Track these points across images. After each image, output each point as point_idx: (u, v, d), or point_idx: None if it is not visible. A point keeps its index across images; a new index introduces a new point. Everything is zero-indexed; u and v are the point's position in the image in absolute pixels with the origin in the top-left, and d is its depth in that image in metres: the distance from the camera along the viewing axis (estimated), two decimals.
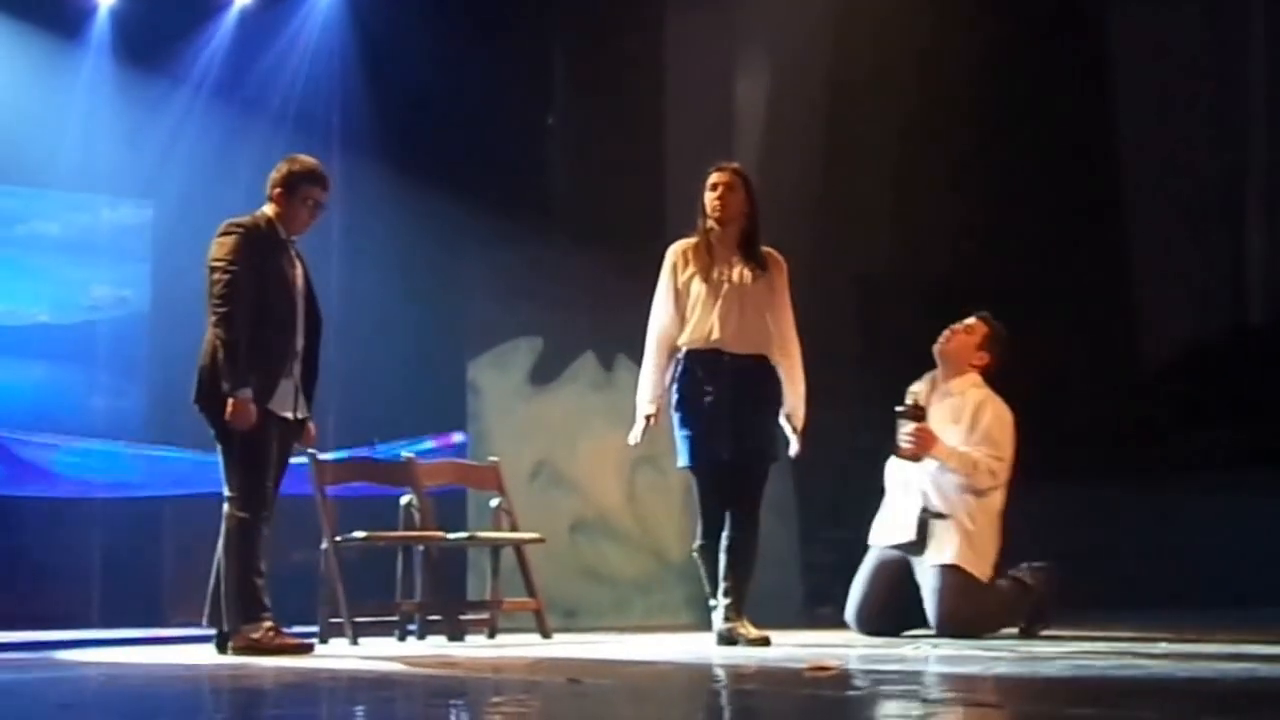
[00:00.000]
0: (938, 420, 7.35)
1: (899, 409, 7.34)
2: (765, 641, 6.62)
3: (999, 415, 7.40)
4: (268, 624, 6.66)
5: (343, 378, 10.80)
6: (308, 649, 6.72)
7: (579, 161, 12.32)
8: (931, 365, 7.65)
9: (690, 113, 12.10)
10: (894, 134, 11.67)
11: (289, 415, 6.89)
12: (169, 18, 11.47)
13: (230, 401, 6.63)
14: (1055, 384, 11.56)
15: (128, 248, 11.65)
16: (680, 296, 6.89)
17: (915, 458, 7.31)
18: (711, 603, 6.84)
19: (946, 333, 7.55)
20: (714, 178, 6.96)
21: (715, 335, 6.84)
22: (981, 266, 11.24)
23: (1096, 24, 11.61)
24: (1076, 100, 11.51)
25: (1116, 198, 11.49)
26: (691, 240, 6.98)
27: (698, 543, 6.89)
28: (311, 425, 7.12)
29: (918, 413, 7.31)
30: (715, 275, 6.88)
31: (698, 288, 6.87)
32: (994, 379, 7.57)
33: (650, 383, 6.89)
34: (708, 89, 12.31)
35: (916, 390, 7.55)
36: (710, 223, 6.94)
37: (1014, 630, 7.31)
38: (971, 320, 7.61)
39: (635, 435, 6.96)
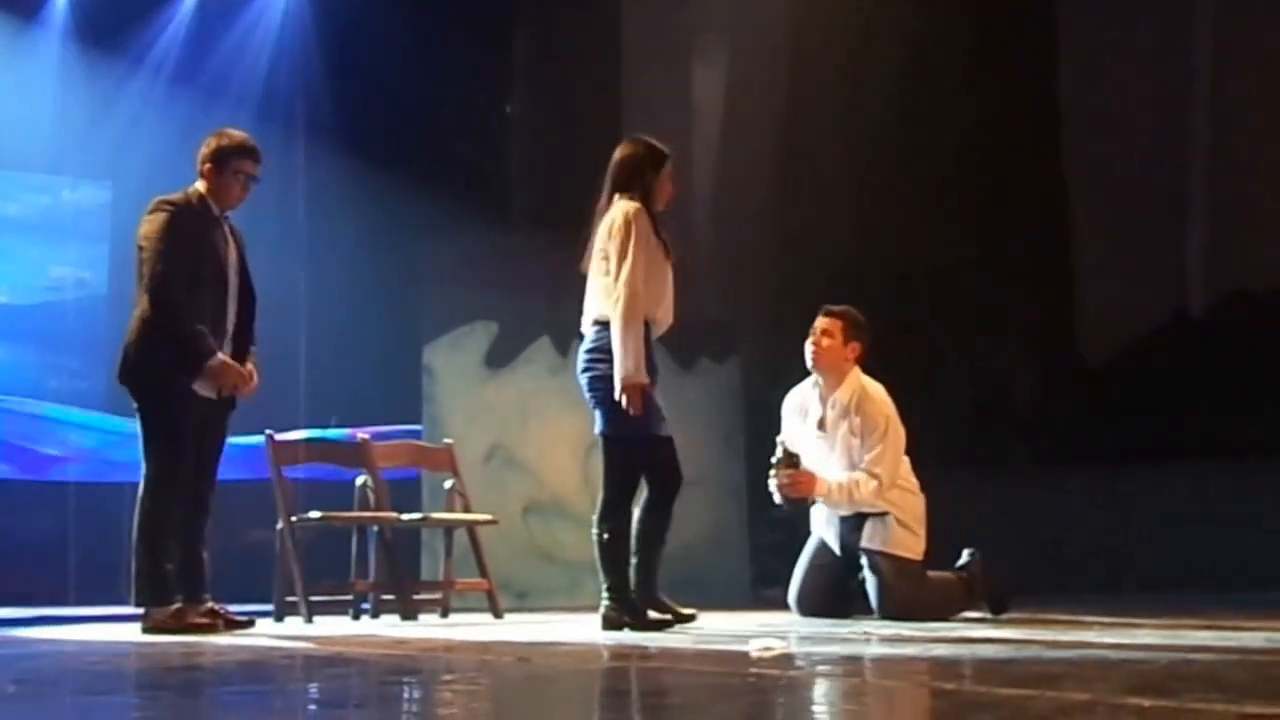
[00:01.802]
0: (843, 435, 7.43)
1: (775, 460, 7.40)
2: (692, 617, 6.71)
3: (880, 413, 7.43)
4: (176, 605, 6.68)
5: (304, 359, 10.89)
6: (214, 628, 6.70)
7: (536, 148, 12.40)
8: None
9: (648, 100, 12.18)
10: (850, 125, 11.75)
11: (213, 396, 6.83)
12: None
13: (208, 370, 6.68)
14: (997, 373, 11.71)
15: (87, 229, 11.66)
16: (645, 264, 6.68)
17: (800, 502, 7.44)
18: (610, 596, 6.60)
19: (810, 346, 7.48)
20: (673, 168, 6.92)
21: (668, 316, 6.81)
22: (933, 260, 11.37)
23: (1046, 19, 11.72)
24: (1024, 98, 11.62)
25: (1061, 189, 11.60)
26: (641, 206, 6.75)
27: (615, 523, 6.61)
28: (252, 370, 6.94)
29: (793, 460, 7.38)
30: (672, 255, 6.79)
31: (663, 263, 6.72)
32: (869, 360, 7.58)
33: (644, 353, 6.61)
34: (665, 77, 12.39)
35: (795, 404, 7.63)
36: (659, 205, 6.84)
37: (981, 614, 7.44)
38: (823, 322, 7.52)
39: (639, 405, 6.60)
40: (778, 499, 7.52)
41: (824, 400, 7.52)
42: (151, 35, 11.73)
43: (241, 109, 11.33)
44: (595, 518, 6.70)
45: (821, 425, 7.49)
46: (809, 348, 7.51)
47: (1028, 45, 11.72)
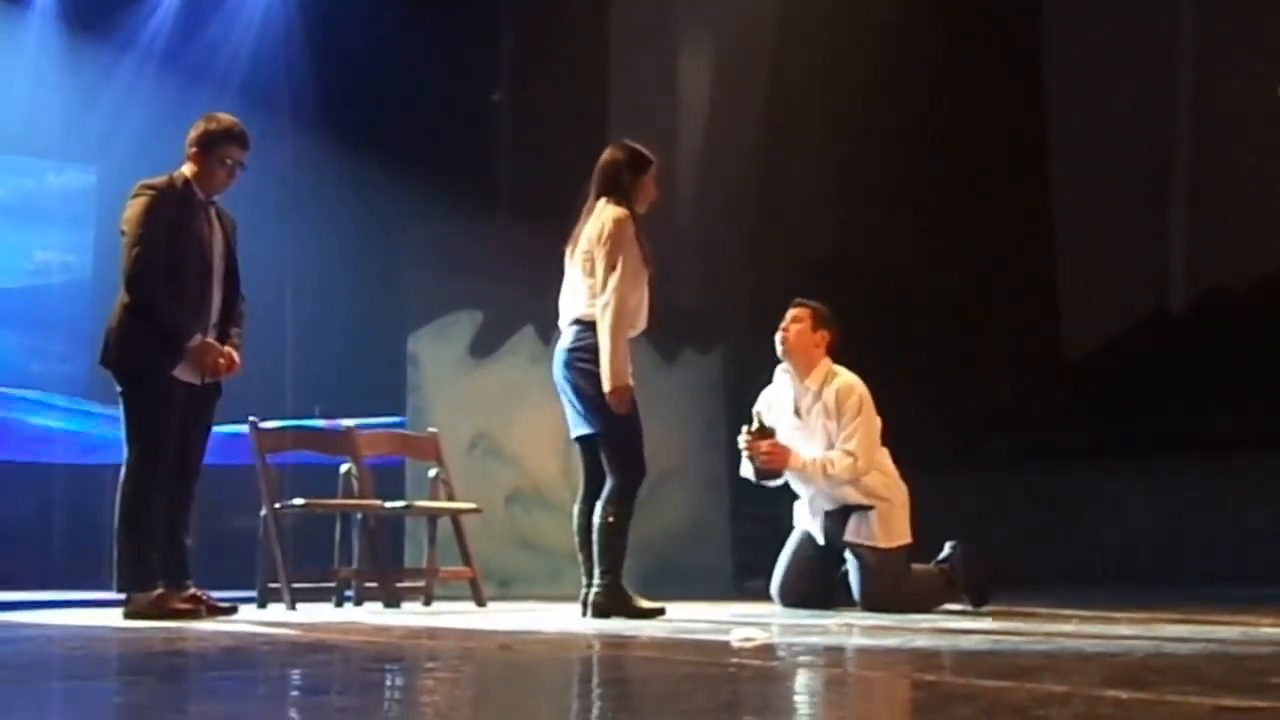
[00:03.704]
0: (816, 418, 7.46)
1: (750, 430, 7.41)
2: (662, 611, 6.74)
3: (854, 392, 7.45)
4: (159, 591, 6.67)
5: (289, 348, 10.88)
6: (196, 614, 6.69)
7: (522, 137, 12.41)
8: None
9: (634, 90, 12.20)
10: (835, 122, 11.79)
11: (196, 381, 6.81)
12: None
13: (189, 352, 6.68)
14: (978, 368, 11.75)
15: (72, 213, 11.65)
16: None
17: (774, 474, 7.43)
18: (602, 582, 6.69)
19: (780, 333, 7.55)
20: (656, 172, 6.97)
21: (645, 320, 6.89)
22: (915, 253, 11.40)
23: (1031, 18, 11.75)
24: (1008, 92, 11.66)
25: (1044, 187, 11.64)
26: (627, 212, 6.82)
27: (626, 508, 6.72)
28: (235, 354, 6.92)
29: (766, 432, 7.40)
30: (651, 262, 6.85)
31: (642, 271, 6.80)
32: (839, 348, 7.62)
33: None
34: (652, 67, 12.41)
35: (769, 400, 7.64)
36: (641, 208, 6.90)
37: (962, 606, 7.47)
38: (792, 312, 7.59)
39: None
40: (749, 471, 7.50)
41: (797, 389, 7.55)
42: (138, 19, 11.71)
43: (228, 94, 11.32)
44: (600, 502, 6.75)
45: (797, 412, 7.52)
46: (779, 335, 7.57)
47: (1012, 43, 11.76)
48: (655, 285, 6.97)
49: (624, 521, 6.72)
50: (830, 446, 7.43)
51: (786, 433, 7.51)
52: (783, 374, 7.65)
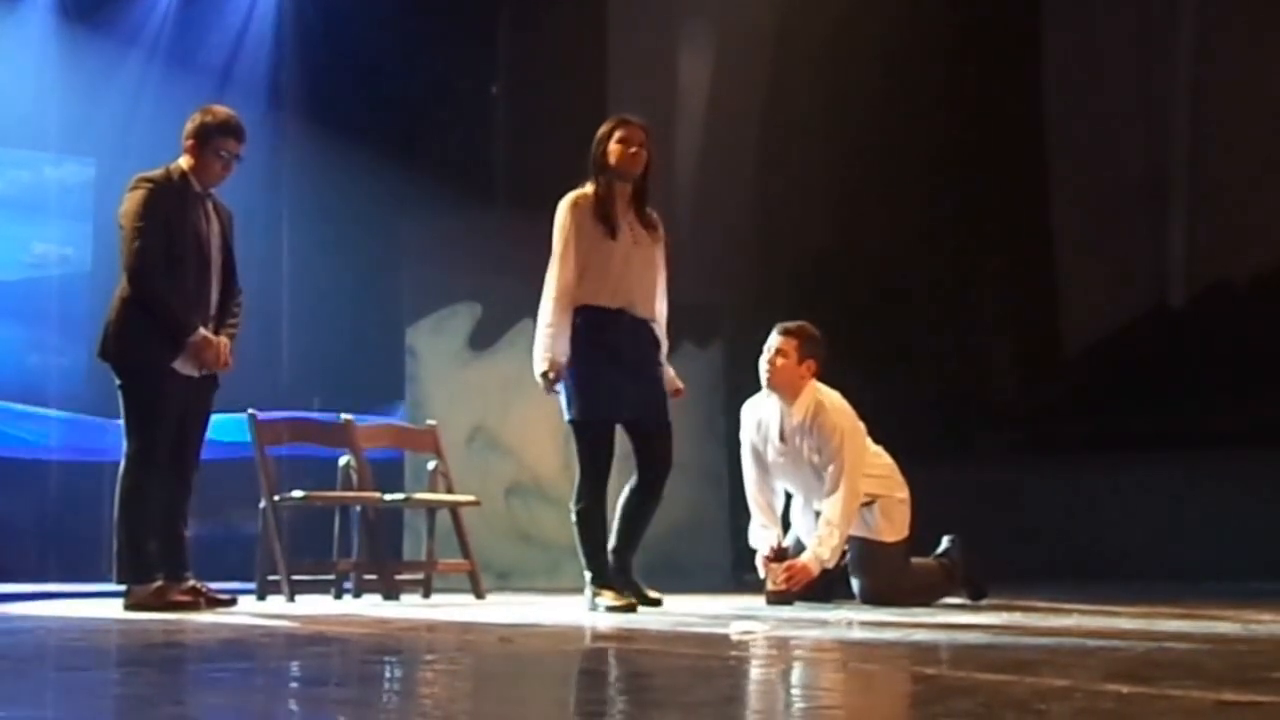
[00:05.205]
0: (806, 453, 7.38)
1: (765, 556, 7.34)
2: (659, 601, 6.75)
3: (835, 427, 7.34)
4: (158, 583, 6.68)
5: (286, 340, 10.86)
6: (196, 606, 6.69)
7: (520, 129, 12.39)
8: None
9: (633, 82, 12.18)
10: (834, 115, 11.78)
11: (194, 374, 6.81)
12: None
13: (189, 347, 6.67)
14: (977, 361, 11.75)
15: (70, 205, 11.62)
16: (579, 251, 6.73)
17: (807, 588, 7.31)
18: (589, 577, 6.69)
19: (765, 364, 7.42)
20: (627, 132, 6.82)
21: (625, 296, 6.80)
22: (914, 246, 11.40)
23: (1031, 10, 11.75)
24: (1007, 86, 11.65)
25: (1043, 181, 11.64)
26: (586, 192, 6.82)
27: (583, 504, 6.70)
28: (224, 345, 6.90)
29: (781, 554, 7.33)
30: (622, 233, 6.79)
31: (604, 244, 6.75)
32: (826, 372, 7.51)
33: (566, 339, 6.68)
34: (651, 59, 12.40)
35: (757, 419, 7.54)
36: (613, 177, 6.83)
37: (961, 601, 7.46)
38: (777, 342, 7.43)
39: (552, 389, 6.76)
40: (773, 587, 7.32)
41: (784, 414, 7.47)
42: (138, 11, 11.70)
43: (226, 87, 11.32)
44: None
45: (783, 437, 7.45)
46: (763, 366, 7.46)
47: (1012, 35, 11.75)
48: (671, 251, 6.99)
49: (586, 515, 6.72)
50: (816, 474, 7.35)
51: (775, 456, 7.47)
52: (767, 396, 7.58)
